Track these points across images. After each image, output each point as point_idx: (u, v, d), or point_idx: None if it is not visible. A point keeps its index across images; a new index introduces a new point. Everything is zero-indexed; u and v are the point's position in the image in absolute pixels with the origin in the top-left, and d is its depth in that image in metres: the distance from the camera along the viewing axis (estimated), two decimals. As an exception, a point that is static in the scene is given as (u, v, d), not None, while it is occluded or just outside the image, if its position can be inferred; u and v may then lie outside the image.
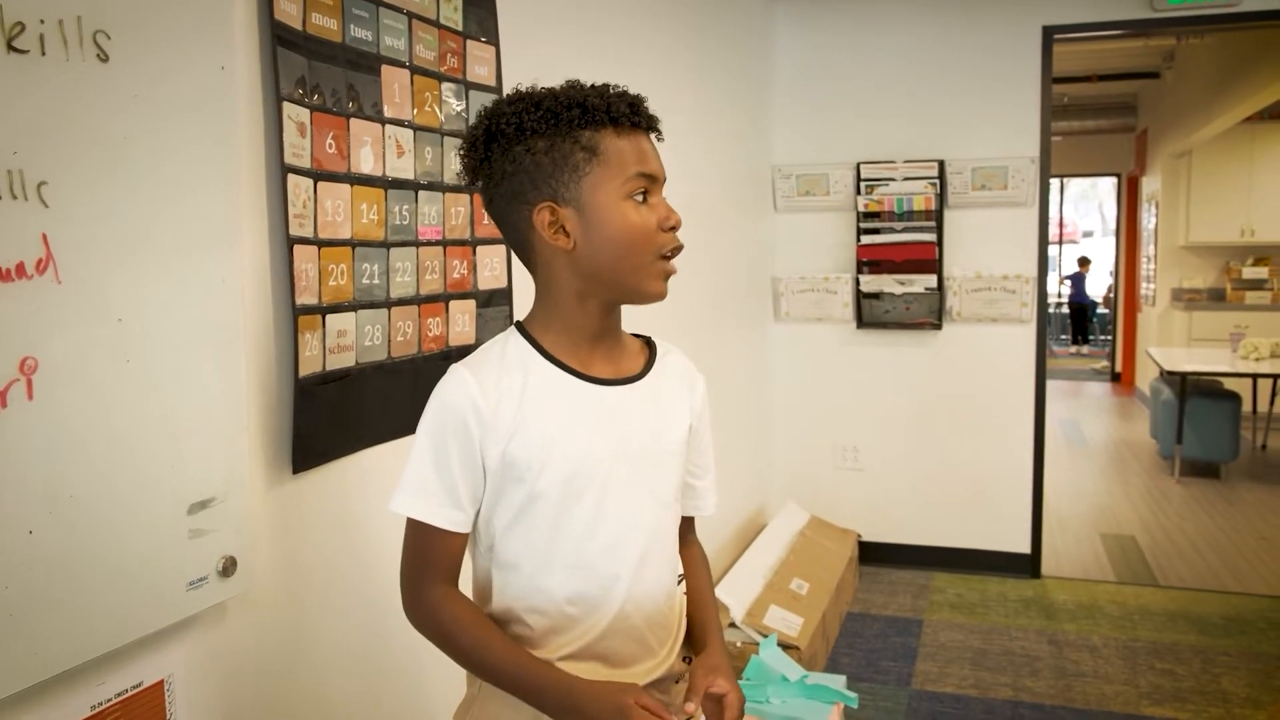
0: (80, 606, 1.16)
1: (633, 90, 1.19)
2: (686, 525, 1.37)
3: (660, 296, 1.20)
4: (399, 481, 1.17)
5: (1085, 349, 13.13)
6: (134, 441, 1.22)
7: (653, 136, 1.21)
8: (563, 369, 1.19)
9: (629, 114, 1.16)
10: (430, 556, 1.18)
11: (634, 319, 1.28)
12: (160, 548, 1.26)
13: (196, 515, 1.31)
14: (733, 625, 3.17)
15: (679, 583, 1.30)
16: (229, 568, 1.37)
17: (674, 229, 1.19)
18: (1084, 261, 13.25)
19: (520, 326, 1.23)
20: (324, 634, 1.65)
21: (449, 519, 1.16)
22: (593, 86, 1.17)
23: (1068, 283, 13.47)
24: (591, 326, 1.21)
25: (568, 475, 1.16)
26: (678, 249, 1.20)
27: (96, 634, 1.18)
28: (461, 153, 1.21)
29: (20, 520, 1.08)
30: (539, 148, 1.14)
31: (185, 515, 1.30)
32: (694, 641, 1.31)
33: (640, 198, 1.16)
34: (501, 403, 1.15)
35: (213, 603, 1.36)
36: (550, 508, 1.16)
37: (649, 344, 1.30)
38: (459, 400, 1.15)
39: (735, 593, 3.30)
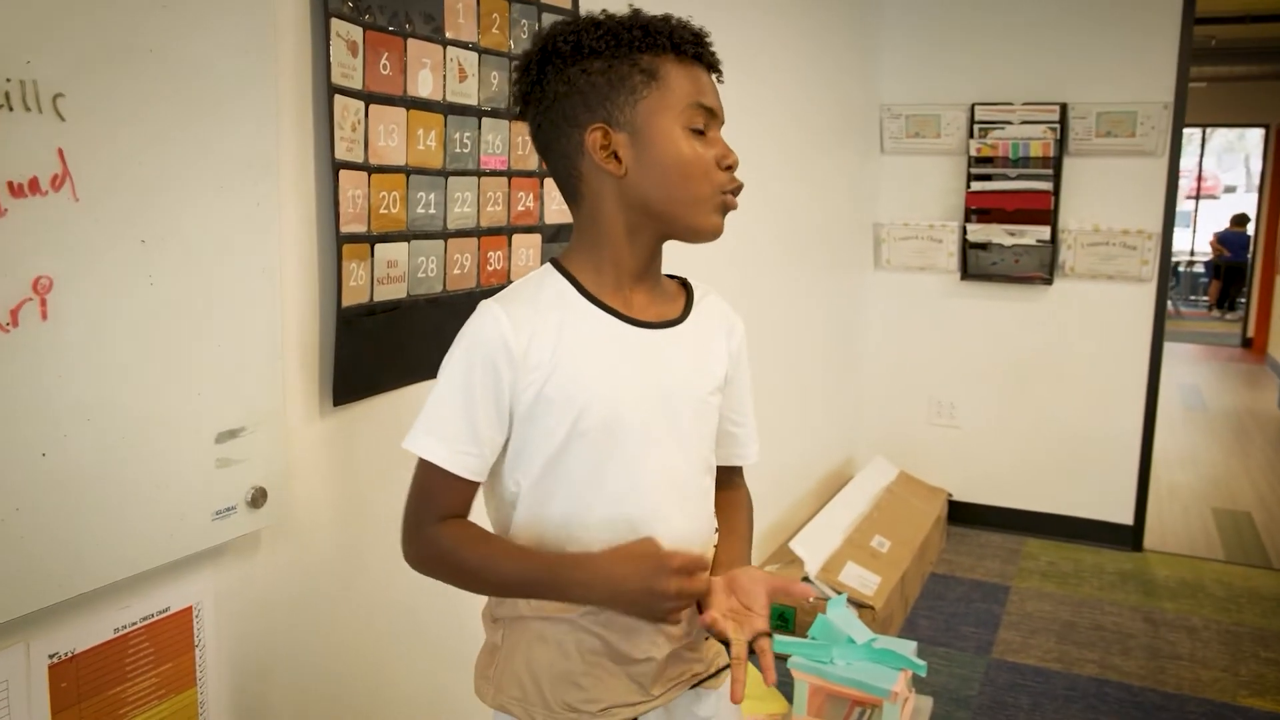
0: (97, 530, 1.14)
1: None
2: (733, 473, 1.32)
3: (716, 233, 1.13)
4: (417, 418, 1.10)
5: (1231, 315, 11.90)
6: (155, 367, 1.19)
7: (714, 76, 1.15)
8: (603, 309, 1.13)
9: (692, 43, 1.11)
10: (439, 500, 1.11)
11: (699, 255, 1.19)
12: (183, 475, 1.24)
13: (225, 444, 1.29)
14: (806, 579, 3.08)
15: (714, 532, 1.25)
16: (259, 499, 1.34)
17: (731, 168, 1.12)
18: (1241, 219, 12.15)
19: (557, 263, 1.16)
20: (361, 568, 1.62)
21: (466, 466, 1.09)
22: (655, 15, 1.11)
23: (1220, 244, 12.37)
24: (637, 265, 1.14)
25: (605, 421, 1.10)
26: (737, 188, 1.14)
27: (116, 558, 1.17)
28: (514, 76, 1.15)
29: (33, 442, 1.06)
30: (595, 68, 1.08)
31: (212, 444, 1.27)
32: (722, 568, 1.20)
33: (698, 131, 1.10)
34: (535, 341, 1.08)
35: (241, 533, 1.34)
36: (587, 454, 1.10)
37: (685, 286, 1.23)
38: (490, 337, 1.08)
39: (811, 546, 3.21)
